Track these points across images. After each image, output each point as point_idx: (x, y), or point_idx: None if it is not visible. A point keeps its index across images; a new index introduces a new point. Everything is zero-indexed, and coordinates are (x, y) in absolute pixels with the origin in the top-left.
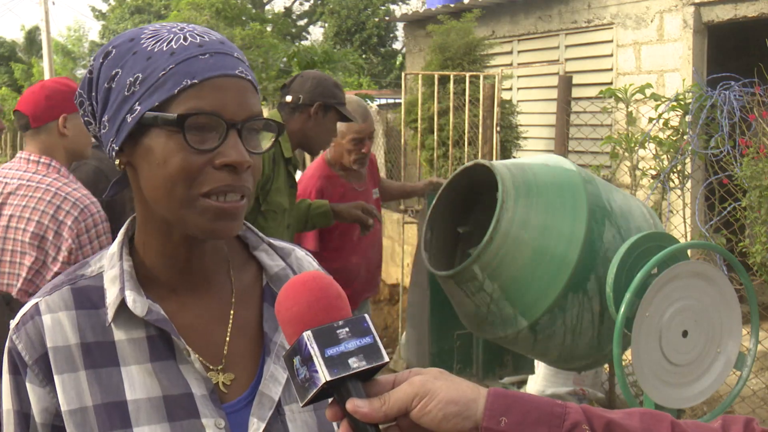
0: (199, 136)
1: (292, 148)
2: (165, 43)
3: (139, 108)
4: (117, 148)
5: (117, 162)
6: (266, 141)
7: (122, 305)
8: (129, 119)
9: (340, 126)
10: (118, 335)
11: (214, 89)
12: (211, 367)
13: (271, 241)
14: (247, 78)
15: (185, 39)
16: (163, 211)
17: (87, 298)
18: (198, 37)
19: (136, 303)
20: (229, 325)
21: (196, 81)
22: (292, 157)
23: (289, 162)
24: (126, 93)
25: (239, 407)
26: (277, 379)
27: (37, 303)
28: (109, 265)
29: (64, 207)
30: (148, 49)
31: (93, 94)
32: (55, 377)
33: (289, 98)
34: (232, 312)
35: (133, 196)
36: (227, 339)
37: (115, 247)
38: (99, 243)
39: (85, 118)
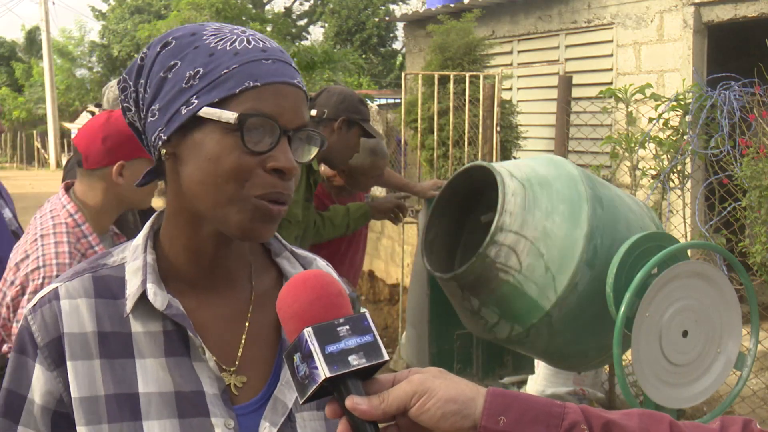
0: (254, 138)
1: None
2: (228, 43)
3: (196, 101)
4: (165, 137)
5: (163, 152)
6: (307, 154)
7: (142, 297)
8: (184, 111)
9: (365, 162)
10: (135, 327)
11: (274, 94)
12: (224, 367)
13: (294, 249)
14: (303, 88)
15: (248, 42)
16: (203, 206)
17: (107, 288)
18: (261, 42)
19: (157, 296)
20: (246, 328)
21: (258, 84)
22: (317, 171)
23: (312, 174)
24: (184, 85)
25: (249, 410)
26: (292, 386)
27: (56, 287)
28: (132, 257)
29: (23, 262)
30: (211, 45)
31: (142, 81)
32: (68, 363)
33: (314, 112)
34: (249, 315)
35: (166, 188)
36: (242, 341)
37: (140, 239)
38: (14, 317)
39: (125, 104)
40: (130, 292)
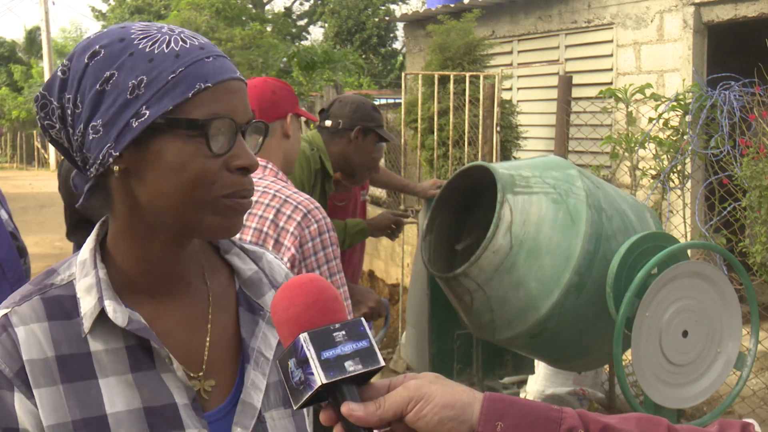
0: (215, 140)
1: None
2: (164, 45)
3: (147, 112)
4: (116, 153)
5: (116, 168)
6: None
7: (100, 315)
8: (135, 124)
9: None
10: (95, 346)
11: (226, 92)
12: (192, 375)
13: (243, 244)
14: (245, 81)
15: (184, 41)
16: (168, 217)
17: (59, 309)
18: (195, 40)
19: (117, 312)
20: (208, 330)
21: (209, 84)
22: (332, 178)
23: (327, 182)
24: (128, 96)
25: (221, 416)
26: (258, 387)
27: (7, 314)
28: (81, 274)
29: (284, 210)
30: (147, 50)
31: (68, 96)
32: (34, 391)
33: (328, 123)
34: (210, 316)
35: (114, 202)
36: (207, 344)
37: (86, 253)
38: (325, 255)
39: (46, 122)
40: (85, 310)
